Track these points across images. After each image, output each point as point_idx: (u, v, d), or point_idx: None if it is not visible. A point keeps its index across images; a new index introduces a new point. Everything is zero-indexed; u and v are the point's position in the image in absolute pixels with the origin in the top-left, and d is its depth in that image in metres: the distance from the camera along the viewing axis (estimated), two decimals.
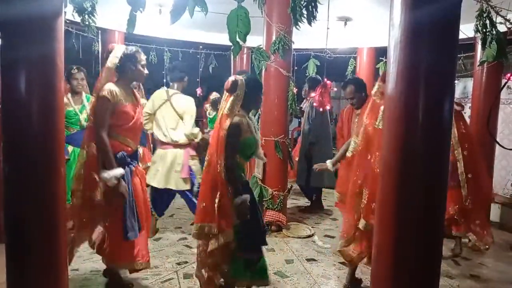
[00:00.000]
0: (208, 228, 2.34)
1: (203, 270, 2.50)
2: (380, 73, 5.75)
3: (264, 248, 2.62)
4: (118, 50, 2.62)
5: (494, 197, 4.44)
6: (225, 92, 2.44)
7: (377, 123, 2.65)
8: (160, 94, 3.86)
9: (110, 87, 2.54)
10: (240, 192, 2.34)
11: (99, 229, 2.63)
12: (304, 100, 5.35)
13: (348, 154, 3.00)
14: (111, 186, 2.45)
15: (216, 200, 2.31)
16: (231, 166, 2.34)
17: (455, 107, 3.60)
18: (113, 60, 2.59)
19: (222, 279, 2.53)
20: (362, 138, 2.80)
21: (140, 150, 3.26)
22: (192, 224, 3.00)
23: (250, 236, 2.43)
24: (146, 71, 2.74)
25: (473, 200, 3.51)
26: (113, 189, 2.48)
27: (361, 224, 2.70)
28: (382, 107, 2.59)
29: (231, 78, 2.41)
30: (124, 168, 2.57)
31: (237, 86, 2.37)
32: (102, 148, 2.49)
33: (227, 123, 2.34)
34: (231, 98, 2.38)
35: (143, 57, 2.71)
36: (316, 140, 4.95)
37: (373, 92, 2.79)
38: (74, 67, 3.68)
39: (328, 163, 3.50)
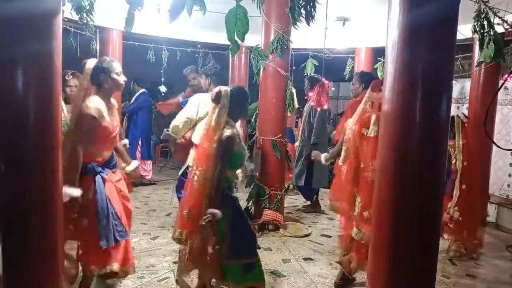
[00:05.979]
0: (185, 235, 2.43)
1: (183, 276, 2.57)
2: (378, 73, 5.76)
3: (258, 251, 2.63)
4: (88, 66, 2.57)
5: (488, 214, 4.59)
6: (211, 103, 2.45)
7: (368, 131, 2.64)
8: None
9: (97, 105, 2.50)
10: (216, 206, 2.30)
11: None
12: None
13: (340, 162, 2.97)
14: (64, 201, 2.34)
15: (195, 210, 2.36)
16: (218, 179, 2.33)
17: (463, 119, 3.63)
18: (84, 77, 2.56)
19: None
20: (351, 147, 2.78)
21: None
22: None
23: (243, 243, 2.45)
24: (123, 79, 2.69)
25: (462, 211, 3.55)
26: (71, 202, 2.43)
27: (354, 232, 2.68)
28: (373, 117, 2.59)
29: (216, 89, 2.43)
30: (95, 176, 2.55)
31: (221, 97, 2.38)
32: (72, 164, 2.41)
33: (217, 135, 2.34)
34: (217, 109, 2.39)
35: (116, 65, 2.65)
36: (318, 140, 4.93)
37: (363, 100, 2.78)
38: (69, 73, 3.11)
39: (323, 156, 3.45)
